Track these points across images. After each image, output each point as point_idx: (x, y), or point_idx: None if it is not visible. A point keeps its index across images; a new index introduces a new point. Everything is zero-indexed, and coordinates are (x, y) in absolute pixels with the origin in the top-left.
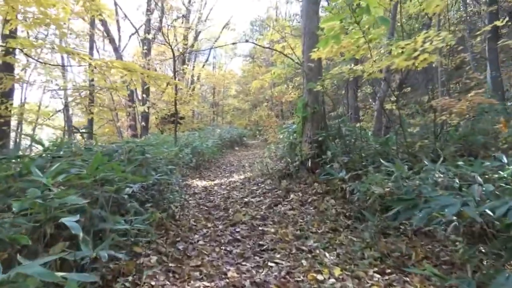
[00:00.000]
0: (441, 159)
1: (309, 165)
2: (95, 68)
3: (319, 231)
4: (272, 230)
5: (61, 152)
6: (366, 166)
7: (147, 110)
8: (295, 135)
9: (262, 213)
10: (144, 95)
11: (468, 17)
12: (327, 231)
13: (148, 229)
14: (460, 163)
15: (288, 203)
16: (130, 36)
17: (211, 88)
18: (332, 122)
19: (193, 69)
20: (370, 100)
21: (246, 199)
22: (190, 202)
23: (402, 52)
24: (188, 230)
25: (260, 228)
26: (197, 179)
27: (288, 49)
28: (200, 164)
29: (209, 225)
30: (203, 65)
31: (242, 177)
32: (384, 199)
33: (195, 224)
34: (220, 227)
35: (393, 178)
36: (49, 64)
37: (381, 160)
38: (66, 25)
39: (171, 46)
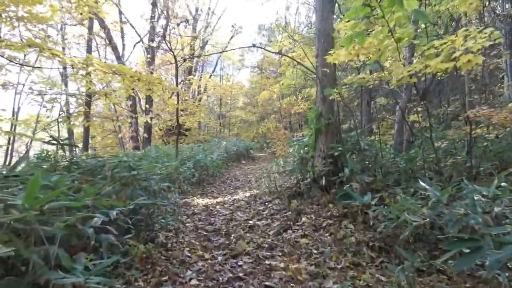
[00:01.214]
0: (495, 181)
1: (323, 183)
2: (72, 67)
3: (338, 266)
4: (282, 264)
5: (18, 169)
6: (390, 186)
7: (149, 121)
8: (306, 148)
9: (269, 240)
10: (147, 106)
11: (501, 18)
12: (348, 266)
13: (110, 282)
14: (503, 184)
15: (299, 228)
16: (134, 45)
17: (218, 100)
18: (347, 135)
19: (200, 80)
20: (384, 112)
21: (251, 222)
22: (187, 225)
23: (438, 54)
24: (180, 263)
25: (267, 261)
26: (199, 196)
27: (298, 58)
28: (203, 179)
29: (206, 256)
30: (210, 76)
31: (247, 194)
32: (418, 229)
33: (189, 255)
34: (219, 258)
35: (430, 204)
36: (26, 65)
37: (420, 181)
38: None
39: (173, 52)
